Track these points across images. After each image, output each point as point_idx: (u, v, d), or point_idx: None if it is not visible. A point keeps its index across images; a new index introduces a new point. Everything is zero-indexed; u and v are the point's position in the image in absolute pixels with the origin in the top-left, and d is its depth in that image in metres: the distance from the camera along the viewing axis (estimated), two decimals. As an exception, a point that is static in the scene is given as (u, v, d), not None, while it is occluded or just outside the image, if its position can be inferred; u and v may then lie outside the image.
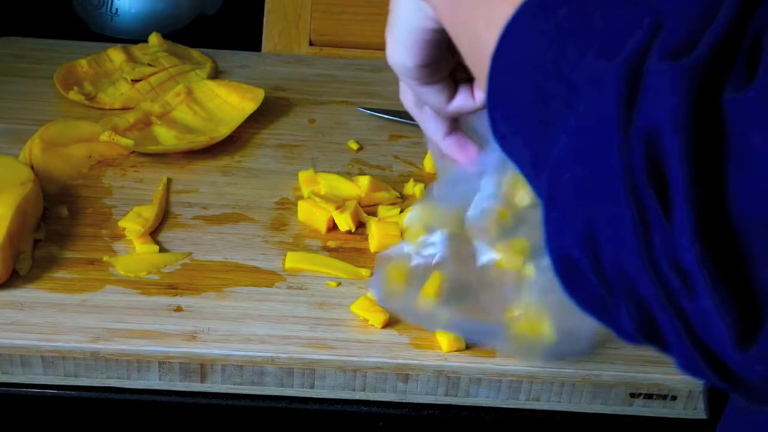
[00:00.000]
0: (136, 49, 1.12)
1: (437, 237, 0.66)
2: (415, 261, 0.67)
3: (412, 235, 0.67)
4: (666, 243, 0.37)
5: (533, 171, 0.43)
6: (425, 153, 1.00)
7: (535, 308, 0.65)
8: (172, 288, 0.83)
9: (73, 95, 1.04)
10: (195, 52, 1.14)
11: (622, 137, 0.37)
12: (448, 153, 0.64)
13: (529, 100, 0.43)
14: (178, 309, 0.81)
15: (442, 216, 0.65)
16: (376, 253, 0.87)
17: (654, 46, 0.38)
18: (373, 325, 0.80)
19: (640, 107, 0.37)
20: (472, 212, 0.64)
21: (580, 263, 0.40)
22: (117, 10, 1.17)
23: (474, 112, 0.60)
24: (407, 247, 0.67)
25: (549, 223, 0.41)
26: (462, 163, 0.63)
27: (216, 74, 1.11)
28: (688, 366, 0.39)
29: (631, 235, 0.37)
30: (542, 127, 0.42)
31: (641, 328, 0.40)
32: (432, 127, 0.63)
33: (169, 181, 0.95)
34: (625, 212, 0.37)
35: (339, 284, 0.84)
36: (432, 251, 0.66)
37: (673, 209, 0.36)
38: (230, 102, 1.05)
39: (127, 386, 0.79)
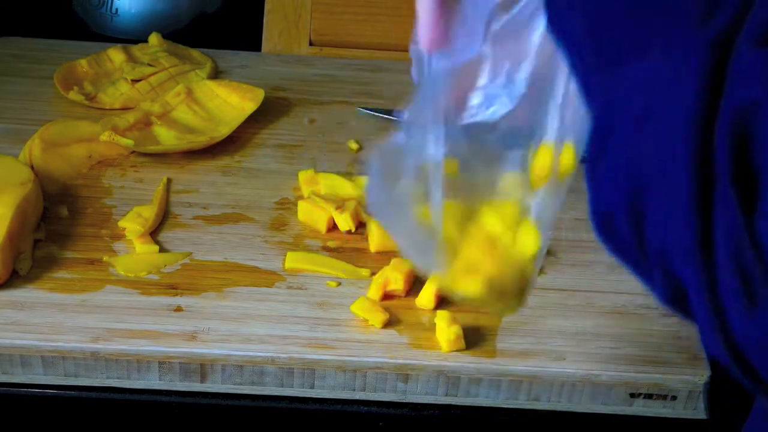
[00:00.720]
0: (136, 49, 1.11)
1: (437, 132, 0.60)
2: (417, 158, 0.60)
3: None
4: (735, 227, 0.35)
5: (586, 76, 0.41)
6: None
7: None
8: (172, 288, 0.83)
9: (73, 95, 1.04)
10: (195, 52, 1.13)
11: (702, 110, 0.36)
12: (420, 11, 0.58)
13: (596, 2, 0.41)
14: (178, 309, 0.81)
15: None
16: (376, 252, 0.87)
17: (743, 26, 0.37)
18: (373, 325, 0.80)
19: (733, 87, 0.36)
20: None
21: (618, 220, 0.39)
22: (117, 10, 1.17)
23: None
24: (407, 141, 0.61)
25: (593, 171, 0.40)
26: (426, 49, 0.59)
27: (216, 74, 1.11)
28: (711, 348, 0.39)
29: (684, 214, 0.36)
30: (604, 40, 0.40)
31: (671, 299, 0.39)
32: None
33: (169, 181, 0.95)
34: (683, 189, 0.36)
35: (339, 284, 0.84)
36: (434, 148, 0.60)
37: (764, 191, 0.35)
38: (230, 102, 1.05)
39: (127, 386, 0.79)
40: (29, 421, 0.81)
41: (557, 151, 0.58)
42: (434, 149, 0.59)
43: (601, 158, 0.40)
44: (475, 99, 0.60)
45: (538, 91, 0.58)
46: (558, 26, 0.45)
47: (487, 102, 0.60)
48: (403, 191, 0.60)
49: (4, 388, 0.79)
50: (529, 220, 0.60)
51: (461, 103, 0.60)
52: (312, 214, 0.90)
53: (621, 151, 0.39)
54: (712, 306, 0.37)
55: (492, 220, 0.61)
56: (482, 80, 0.60)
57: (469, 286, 0.60)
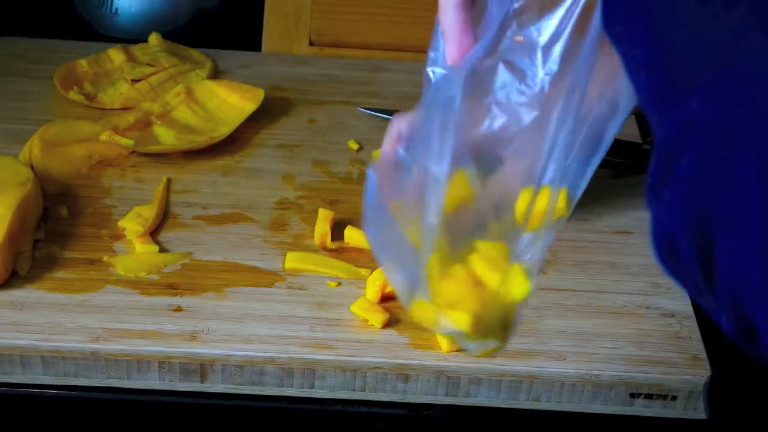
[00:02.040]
0: (136, 49, 1.12)
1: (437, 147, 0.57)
2: (416, 175, 0.58)
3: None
4: None
5: (653, 102, 0.39)
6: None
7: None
8: (172, 288, 0.83)
9: (73, 95, 1.04)
10: (195, 52, 1.13)
11: None
12: (445, 26, 0.57)
13: (663, 12, 0.38)
14: (178, 309, 0.81)
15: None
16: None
17: None
18: (373, 326, 0.80)
19: None
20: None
21: (682, 248, 0.37)
22: (117, 10, 1.17)
23: None
24: (406, 157, 0.59)
25: (656, 194, 0.38)
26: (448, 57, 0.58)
27: (216, 74, 1.11)
28: None
29: (756, 255, 0.34)
30: (671, 64, 0.37)
31: (739, 335, 0.37)
32: None
33: (169, 181, 0.95)
34: (754, 228, 0.34)
35: (339, 284, 0.84)
36: (436, 163, 0.57)
37: None
38: (230, 102, 1.05)
39: (127, 386, 0.79)
40: (29, 421, 0.81)
41: (553, 196, 0.56)
42: (439, 165, 0.57)
43: (665, 183, 0.38)
44: (484, 111, 0.59)
45: (539, 129, 0.57)
46: (620, 48, 0.43)
47: (495, 115, 0.59)
48: (398, 209, 0.58)
49: (4, 388, 0.79)
50: (518, 265, 0.58)
51: (471, 117, 0.59)
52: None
53: (688, 176, 0.36)
54: None
55: (480, 263, 0.59)
56: (492, 92, 0.59)
57: (454, 319, 0.58)
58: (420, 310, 0.60)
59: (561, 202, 0.57)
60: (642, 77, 0.41)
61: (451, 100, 0.57)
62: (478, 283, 0.59)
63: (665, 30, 0.39)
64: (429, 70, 0.60)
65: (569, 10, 0.55)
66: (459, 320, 0.58)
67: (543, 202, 0.57)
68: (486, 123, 0.58)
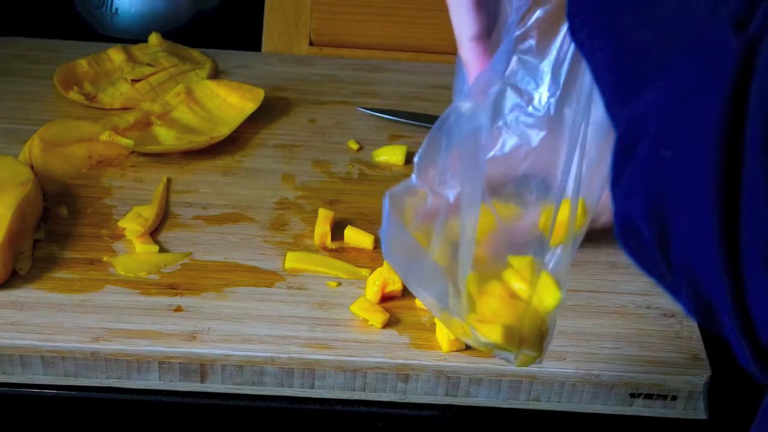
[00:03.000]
0: (136, 49, 1.12)
1: (452, 174, 0.60)
2: (431, 200, 0.60)
3: (425, 171, 0.60)
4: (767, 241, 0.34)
5: (612, 97, 0.41)
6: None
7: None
8: (172, 288, 0.83)
9: (73, 95, 1.04)
10: (195, 52, 1.13)
11: (729, 120, 0.35)
12: (465, 60, 0.60)
13: (618, 19, 0.41)
14: (178, 309, 0.81)
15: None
16: (375, 250, 0.88)
17: None
18: (373, 325, 0.80)
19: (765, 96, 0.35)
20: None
21: (642, 232, 0.39)
22: (117, 10, 1.17)
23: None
24: (419, 184, 0.60)
25: (617, 183, 0.40)
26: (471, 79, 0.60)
27: (216, 74, 1.11)
28: (744, 364, 0.38)
29: (708, 232, 0.36)
30: (628, 61, 0.40)
31: (699, 312, 0.39)
32: (463, 20, 0.59)
33: (169, 181, 0.95)
34: (708, 205, 0.36)
35: (339, 284, 0.84)
36: (449, 188, 0.60)
37: None
38: (230, 102, 1.05)
39: (127, 386, 0.79)
40: (29, 421, 0.81)
41: (573, 208, 0.59)
42: (472, 187, 0.59)
43: (624, 171, 0.40)
44: (496, 135, 0.61)
45: (550, 147, 0.59)
46: (584, 52, 0.45)
47: (506, 138, 0.61)
48: (420, 233, 0.60)
49: (4, 388, 0.79)
50: (547, 274, 0.60)
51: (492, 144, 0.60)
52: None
53: (644, 163, 0.38)
54: (742, 322, 0.37)
55: (514, 276, 0.61)
56: (503, 116, 0.60)
57: (488, 332, 0.60)
58: (456, 327, 0.61)
59: (580, 212, 0.59)
60: (604, 77, 0.43)
61: (479, 128, 0.58)
62: (512, 296, 0.61)
63: (621, 31, 0.42)
64: (456, 103, 0.62)
65: (565, 36, 0.58)
66: (491, 333, 0.60)
67: (564, 215, 0.59)
68: (498, 146, 0.60)
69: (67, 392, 0.79)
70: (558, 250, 0.60)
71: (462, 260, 0.60)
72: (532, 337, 0.61)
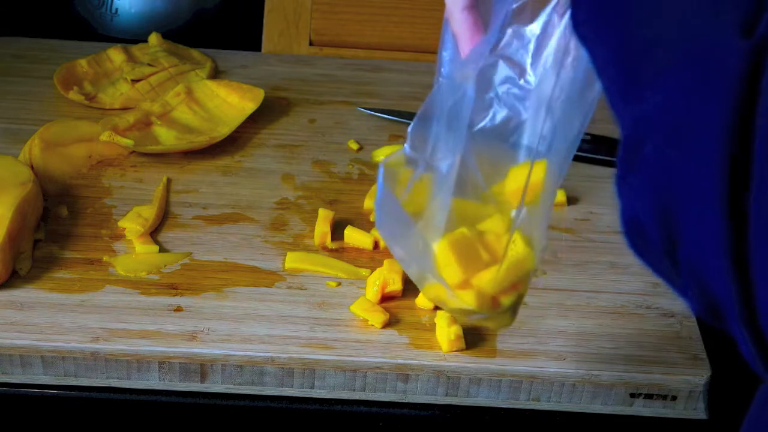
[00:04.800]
0: (136, 49, 1.12)
1: (443, 143, 0.60)
2: (422, 169, 0.61)
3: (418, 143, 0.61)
4: None
5: (617, 96, 0.41)
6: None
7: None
8: (172, 288, 0.83)
9: (73, 95, 1.04)
10: (195, 52, 1.13)
11: (737, 120, 0.35)
12: (456, 30, 0.60)
13: (623, 16, 0.41)
14: (178, 309, 0.81)
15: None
16: (376, 249, 0.88)
17: None
18: (373, 325, 0.80)
19: None
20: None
21: (649, 232, 0.39)
22: (117, 10, 1.17)
23: None
24: (412, 154, 0.61)
25: (623, 182, 0.40)
26: (462, 53, 0.60)
27: (216, 74, 1.11)
28: (750, 363, 0.38)
29: (715, 234, 0.36)
30: (633, 60, 0.40)
31: (706, 312, 0.39)
32: None
33: (169, 181, 0.95)
34: (715, 206, 0.36)
35: (339, 284, 0.84)
36: (442, 159, 0.60)
37: None
38: (230, 102, 1.05)
39: (127, 386, 0.79)
40: (29, 421, 0.81)
41: (550, 170, 0.59)
42: (446, 161, 0.60)
43: (631, 171, 0.40)
44: (486, 106, 0.61)
45: (537, 106, 0.60)
46: (587, 45, 0.45)
47: (496, 110, 0.61)
48: (409, 204, 0.61)
49: (4, 388, 0.79)
50: (519, 233, 0.61)
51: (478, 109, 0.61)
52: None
53: (650, 163, 0.38)
54: (749, 322, 0.37)
55: (486, 239, 0.62)
56: (494, 87, 0.61)
57: (463, 297, 0.61)
58: (432, 292, 0.63)
59: (548, 172, 0.60)
60: (608, 74, 0.43)
61: (462, 98, 0.59)
62: (486, 262, 0.62)
63: (626, 28, 0.42)
64: (441, 68, 0.62)
65: (557, 7, 0.58)
66: (465, 298, 0.61)
67: (538, 176, 0.59)
68: (488, 117, 0.60)
69: (67, 392, 0.79)
70: (524, 211, 0.60)
71: (435, 225, 0.61)
72: (506, 298, 0.62)
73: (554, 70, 0.58)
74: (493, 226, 0.62)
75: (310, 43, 1.17)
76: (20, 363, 0.78)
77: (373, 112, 1.06)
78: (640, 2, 0.42)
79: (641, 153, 0.39)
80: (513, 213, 0.60)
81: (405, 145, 0.61)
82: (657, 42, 0.40)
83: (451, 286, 0.61)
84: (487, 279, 0.61)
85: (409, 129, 0.61)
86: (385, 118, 1.06)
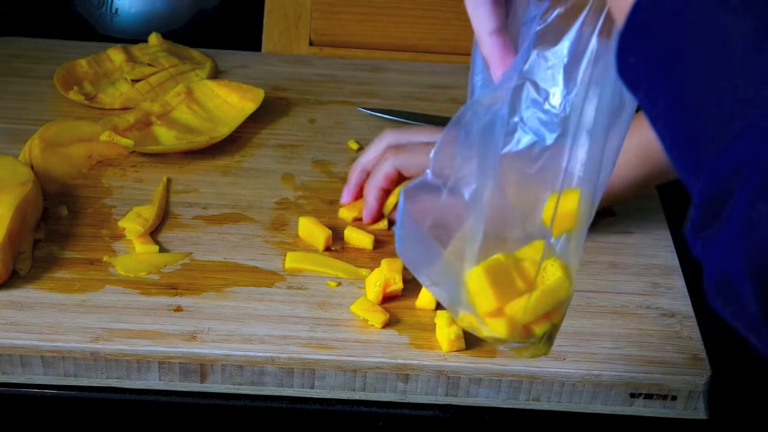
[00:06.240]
0: (136, 49, 1.12)
1: (470, 168, 0.59)
2: (445, 197, 0.59)
3: (440, 167, 0.59)
4: None
5: (683, 148, 0.39)
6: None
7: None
8: (172, 288, 0.83)
9: (73, 95, 1.04)
10: (195, 52, 1.14)
11: None
12: (486, 54, 0.60)
13: (686, 61, 0.39)
14: (178, 309, 0.81)
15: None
16: (374, 249, 0.88)
17: None
18: (373, 325, 0.80)
19: None
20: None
21: (741, 289, 0.37)
22: (117, 10, 1.17)
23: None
24: (435, 180, 0.59)
25: (701, 236, 0.38)
26: (494, 75, 0.60)
27: (216, 74, 1.11)
28: None
29: None
30: (704, 110, 0.38)
31: None
32: (481, 15, 0.59)
33: (169, 181, 0.95)
34: None
35: (339, 284, 0.84)
36: (466, 185, 0.59)
37: None
38: (230, 102, 1.05)
39: (127, 386, 0.79)
40: (29, 421, 0.81)
41: (583, 196, 0.58)
42: (478, 182, 0.58)
43: (715, 225, 0.38)
44: (510, 131, 0.60)
45: (563, 136, 0.59)
46: (639, 97, 0.43)
47: (521, 135, 0.60)
48: (435, 230, 0.60)
49: (4, 388, 0.79)
50: (553, 262, 0.60)
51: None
52: (311, 233, 0.89)
53: (740, 218, 0.36)
54: None
55: (521, 268, 0.60)
56: (519, 111, 0.60)
57: (494, 326, 0.60)
58: (466, 320, 0.61)
59: (581, 202, 0.58)
60: (669, 125, 0.41)
61: (494, 121, 0.58)
62: (521, 291, 0.60)
63: (688, 76, 0.39)
64: (474, 93, 0.61)
65: (582, 33, 0.57)
66: (496, 326, 0.60)
67: (572, 204, 0.58)
68: (513, 142, 0.59)
69: (67, 392, 0.79)
70: (563, 239, 0.59)
71: (468, 254, 0.59)
72: (539, 327, 0.61)
73: (586, 94, 0.57)
74: (531, 253, 0.61)
75: (310, 43, 1.17)
76: (20, 363, 0.78)
77: (373, 112, 1.06)
78: (710, 45, 0.39)
79: (726, 208, 0.37)
80: (547, 241, 0.59)
81: (427, 170, 0.59)
82: (725, 91, 0.37)
83: (484, 314, 0.60)
84: (518, 307, 0.60)
85: (431, 154, 0.59)
86: (385, 118, 1.06)
